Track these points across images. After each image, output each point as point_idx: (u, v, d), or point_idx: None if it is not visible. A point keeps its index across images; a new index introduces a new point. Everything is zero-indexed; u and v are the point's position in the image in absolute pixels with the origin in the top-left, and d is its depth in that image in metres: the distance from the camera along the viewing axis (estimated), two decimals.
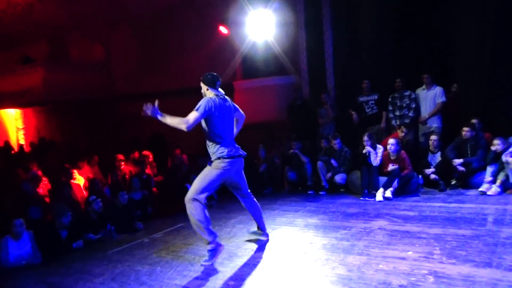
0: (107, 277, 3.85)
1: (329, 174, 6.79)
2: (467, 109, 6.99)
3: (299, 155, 7.14)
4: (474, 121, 6.31)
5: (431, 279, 3.12)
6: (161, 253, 4.43)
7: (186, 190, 6.63)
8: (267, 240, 4.44)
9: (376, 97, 7.47)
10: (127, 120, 12.52)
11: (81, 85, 12.51)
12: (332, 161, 6.79)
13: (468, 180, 6.17)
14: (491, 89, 6.80)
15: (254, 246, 4.34)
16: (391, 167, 6.21)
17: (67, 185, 6.54)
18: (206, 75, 4.14)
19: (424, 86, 7.11)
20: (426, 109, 7.07)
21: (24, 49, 13.95)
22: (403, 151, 6.30)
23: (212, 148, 4.01)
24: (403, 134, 6.73)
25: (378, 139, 6.94)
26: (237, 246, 4.37)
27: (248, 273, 3.60)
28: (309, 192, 6.95)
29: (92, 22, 12.80)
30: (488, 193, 5.63)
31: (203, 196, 3.86)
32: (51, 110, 14.45)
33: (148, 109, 3.78)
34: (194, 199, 3.83)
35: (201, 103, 3.87)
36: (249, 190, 4.40)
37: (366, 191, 6.21)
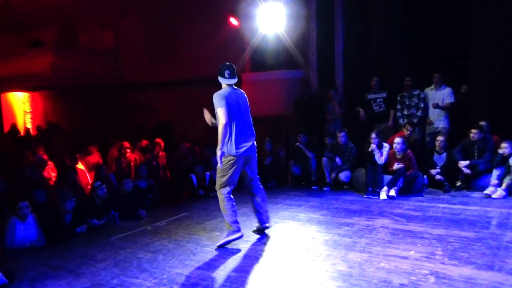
0: (109, 263, 3.88)
1: (333, 174, 6.77)
2: (476, 110, 6.94)
3: (303, 150, 7.13)
4: (482, 123, 6.27)
5: (432, 279, 3.12)
6: (163, 241, 4.46)
7: (190, 180, 6.68)
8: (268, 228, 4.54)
9: (384, 95, 7.43)
10: (134, 108, 12.57)
11: (89, 71, 12.53)
12: (337, 159, 6.77)
13: (473, 182, 6.14)
14: (502, 91, 6.74)
15: (256, 239, 4.36)
16: (396, 166, 6.19)
17: (72, 170, 6.59)
18: (219, 66, 4.20)
19: (433, 86, 7.06)
20: (434, 110, 7.02)
21: (34, 33, 13.97)
22: (409, 150, 6.27)
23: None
24: (408, 132, 6.69)
25: (385, 137, 6.91)
26: (239, 238, 4.38)
27: (250, 265, 3.62)
28: (313, 187, 6.95)
29: (102, 9, 12.78)
30: (493, 196, 5.60)
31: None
32: (59, 94, 14.50)
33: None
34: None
35: (215, 101, 4.02)
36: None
37: (370, 189, 6.20)
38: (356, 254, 3.74)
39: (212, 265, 3.68)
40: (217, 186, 4.20)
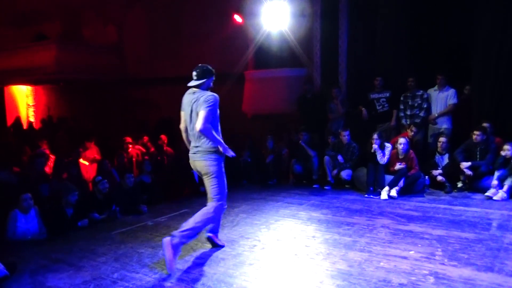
0: (110, 257, 3.90)
1: (335, 172, 6.78)
2: (479, 112, 6.92)
3: (305, 148, 7.13)
4: (485, 124, 6.25)
5: (431, 279, 3.13)
6: (164, 237, 4.45)
7: (191, 177, 6.70)
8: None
9: (387, 94, 7.42)
10: (136, 104, 12.59)
11: (92, 66, 12.54)
12: (339, 157, 6.77)
13: (475, 184, 6.13)
14: (506, 93, 6.72)
15: (256, 236, 4.37)
16: (398, 166, 6.19)
17: (75, 164, 6.61)
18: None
19: (436, 87, 7.04)
20: (437, 110, 7.01)
21: (38, 27, 13.98)
22: (411, 151, 6.27)
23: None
24: (412, 133, 6.69)
25: (387, 137, 6.92)
26: (240, 235, 4.41)
27: (249, 262, 3.63)
28: (314, 186, 6.95)
29: (106, 3, 12.79)
30: (494, 198, 5.59)
31: None
32: (62, 88, 14.53)
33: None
34: None
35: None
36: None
37: (371, 188, 6.21)
38: (356, 253, 3.75)
39: (211, 261, 3.69)
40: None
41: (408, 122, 7.08)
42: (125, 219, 5.31)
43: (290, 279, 3.27)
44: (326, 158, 6.86)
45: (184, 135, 3.96)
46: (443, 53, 7.38)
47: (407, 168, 6.16)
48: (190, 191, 6.71)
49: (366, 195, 6.13)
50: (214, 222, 3.95)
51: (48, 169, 6.62)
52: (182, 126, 3.93)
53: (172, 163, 7.74)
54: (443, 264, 3.42)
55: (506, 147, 5.81)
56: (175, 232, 3.60)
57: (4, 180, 5.47)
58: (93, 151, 7.89)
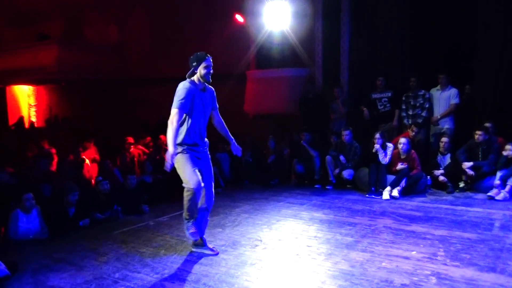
0: (111, 257, 3.90)
1: (337, 170, 6.77)
2: (481, 111, 6.91)
3: (307, 148, 7.12)
4: (487, 124, 6.24)
5: (433, 280, 3.12)
6: (165, 236, 4.47)
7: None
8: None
9: (389, 94, 7.40)
10: (137, 103, 12.59)
11: (94, 66, 12.55)
12: (341, 158, 6.76)
13: (477, 184, 6.12)
14: (508, 92, 6.71)
15: (258, 236, 4.37)
16: (400, 166, 6.18)
17: (76, 164, 6.61)
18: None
19: (438, 87, 7.02)
20: (439, 110, 6.99)
21: (39, 27, 14.00)
22: (413, 151, 6.26)
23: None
24: (413, 133, 6.68)
25: (389, 137, 6.90)
26: (241, 235, 4.40)
27: (251, 263, 3.62)
28: (316, 186, 6.94)
29: (108, 3, 12.80)
30: (497, 198, 5.58)
31: None
32: (63, 88, 14.54)
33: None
34: None
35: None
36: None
37: (373, 188, 6.20)
38: (358, 253, 3.74)
39: (213, 261, 3.69)
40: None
41: (410, 122, 7.07)
42: (127, 219, 5.31)
43: (292, 279, 3.27)
44: (328, 158, 6.85)
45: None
46: (445, 53, 7.37)
47: (409, 168, 6.14)
48: None
49: (368, 195, 6.12)
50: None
51: (52, 168, 6.63)
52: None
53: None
54: (445, 264, 3.41)
55: (508, 147, 5.80)
56: None
57: (5, 180, 5.47)
58: (92, 151, 7.89)
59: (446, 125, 6.96)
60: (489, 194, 5.69)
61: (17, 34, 14.30)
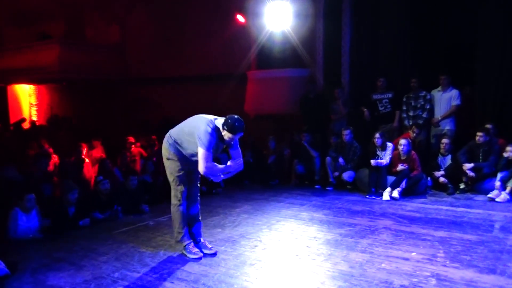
0: (111, 256, 3.90)
1: (336, 173, 6.77)
2: (482, 113, 6.90)
3: (307, 148, 7.12)
4: (488, 126, 6.23)
5: (433, 281, 3.11)
6: (165, 236, 4.47)
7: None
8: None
9: (390, 95, 7.39)
10: (138, 103, 12.59)
11: (95, 65, 12.55)
12: (340, 160, 6.76)
13: (477, 185, 6.12)
14: (509, 94, 6.70)
15: (258, 236, 4.37)
16: (400, 167, 6.17)
17: (76, 163, 6.61)
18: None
19: (440, 88, 7.01)
20: (440, 111, 6.97)
21: (41, 26, 14.01)
22: (413, 152, 6.25)
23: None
24: (414, 134, 6.67)
25: (390, 138, 6.89)
26: (241, 235, 4.40)
27: (250, 263, 3.62)
28: (316, 186, 6.94)
29: (109, 3, 12.81)
30: (497, 199, 5.57)
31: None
32: (65, 88, 14.56)
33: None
34: None
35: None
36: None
37: (373, 189, 6.19)
38: (358, 254, 3.73)
39: (212, 261, 3.69)
40: None
41: (410, 123, 7.06)
42: (127, 219, 5.30)
43: (291, 279, 3.26)
44: (327, 158, 6.84)
45: None
46: (446, 54, 7.35)
47: (409, 169, 6.14)
48: None
49: (368, 196, 6.12)
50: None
51: (50, 168, 6.63)
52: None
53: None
54: (445, 266, 3.41)
55: (508, 148, 5.79)
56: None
57: (8, 177, 5.48)
58: (99, 150, 7.90)
59: (447, 126, 6.95)
60: (489, 195, 5.68)
61: (18, 33, 14.32)
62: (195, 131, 3.58)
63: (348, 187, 6.77)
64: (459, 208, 5.30)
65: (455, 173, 6.25)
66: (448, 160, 6.43)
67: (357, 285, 3.10)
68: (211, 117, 3.71)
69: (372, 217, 5.01)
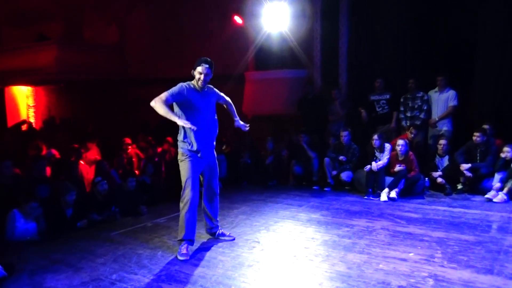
0: (109, 258, 3.90)
1: (334, 172, 6.77)
2: (480, 113, 6.92)
3: (305, 149, 7.12)
4: (486, 126, 6.25)
5: (431, 282, 3.12)
6: (163, 238, 4.47)
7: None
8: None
9: (388, 96, 7.41)
10: (137, 104, 12.57)
11: (93, 66, 12.53)
12: (341, 157, 6.76)
13: (475, 186, 6.13)
14: (507, 94, 6.72)
15: (255, 237, 4.37)
16: (398, 167, 6.18)
17: (74, 164, 6.59)
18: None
19: (437, 89, 7.03)
20: (437, 112, 7.00)
21: (39, 27, 13.97)
22: (411, 153, 6.26)
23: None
24: (412, 135, 6.69)
25: (388, 138, 6.90)
26: (239, 236, 4.40)
27: (248, 264, 3.62)
28: (314, 187, 6.95)
29: (108, 3, 12.79)
30: (494, 200, 5.58)
31: None
32: (62, 89, 14.52)
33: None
34: None
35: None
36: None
37: (371, 190, 6.20)
38: (355, 255, 3.74)
39: (210, 262, 3.68)
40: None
41: (408, 124, 7.07)
42: (125, 220, 5.30)
43: (289, 280, 3.26)
44: (326, 159, 6.85)
45: None
46: (443, 54, 7.37)
47: (407, 170, 6.15)
48: None
49: (365, 197, 6.12)
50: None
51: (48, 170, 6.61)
52: None
53: (171, 164, 7.74)
54: (442, 266, 3.41)
55: (506, 149, 5.80)
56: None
57: (5, 174, 5.46)
58: (94, 152, 7.87)
59: (444, 127, 6.97)
60: (487, 196, 5.69)
61: (16, 34, 14.28)
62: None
63: (346, 187, 6.78)
64: (456, 209, 5.31)
65: (452, 174, 6.26)
66: (445, 161, 6.45)
67: (355, 286, 3.10)
68: None
69: (370, 217, 5.02)
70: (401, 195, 6.00)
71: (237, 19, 9.13)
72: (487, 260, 3.50)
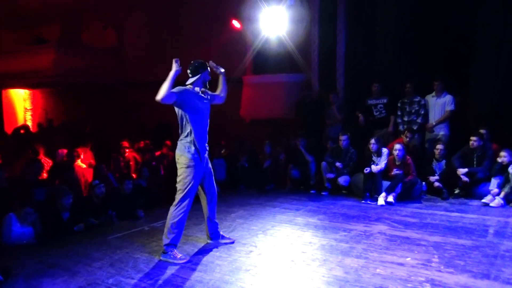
0: (105, 262, 3.88)
1: (331, 175, 6.77)
2: (476, 118, 6.94)
3: (303, 152, 7.13)
4: (482, 131, 6.27)
5: (428, 286, 3.12)
6: (160, 242, 4.41)
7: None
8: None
9: (385, 100, 7.44)
10: (135, 107, 12.57)
11: (91, 69, 12.54)
12: (338, 164, 6.77)
13: (472, 190, 6.15)
14: (503, 99, 6.75)
15: (253, 241, 4.36)
16: (395, 171, 6.19)
17: (70, 168, 6.58)
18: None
19: (434, 93, 7.06)
20: (434, 117, 7.03)
21: (36, 30, 13.98)
22: (408, 157, 6.28)
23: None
24: (407, 139, 6.70)
25: (385, 143, 6.92)
26: (236, 241, 4.39)
27: (245, 268, 3.61)
28: (311, 191, 6.95)
29: (106, 6, 12.81)
30: (491, 204, 5.60)
31: None
32: (60, 92, 14.50)
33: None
34: None
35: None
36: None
37: (368, 194, 6.20)
38: (353, 259, 3.74)
39: (208, 267, 3.68)
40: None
41: (405, 128, 7.09)
42: (121, 224, 5.28)
43: (287, 285, 3.26)
44: (323, 164, 6.85)
45: None
46: (441, 59, 7.41)
47: (404, 174, 6.16)
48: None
49: (363, 201, 6.13)
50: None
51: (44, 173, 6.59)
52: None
53: (169, 168, 7.73)
54: (439, 271, 3.41)
55: (502, 153, 5.83)
56: None
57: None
58: (88, 156, 7.85)
59: (441, 131, 6.99)
60: (484, 200, 5.71)
61: (14, 37, 14.26)
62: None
63: (343, 192, 6.79)
64: (453, 213, 5.32)
65: (449, 178, 6.27)
66: (442, 165, 6.46)
67: None
68: None
69: (367, 222, 5.02)
70: (398, 200, 6.01)
71: (235, 23, 9.16)
72: (484, 265, 3.50)
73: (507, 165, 5.74)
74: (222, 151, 8.02)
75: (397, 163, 6.27)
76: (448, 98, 6.93)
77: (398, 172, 6.16)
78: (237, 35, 9.46)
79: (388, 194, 5.99)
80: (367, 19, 8.08)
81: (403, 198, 6.08)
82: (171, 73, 3.90)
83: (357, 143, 7.01)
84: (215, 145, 7.46)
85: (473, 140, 6.11)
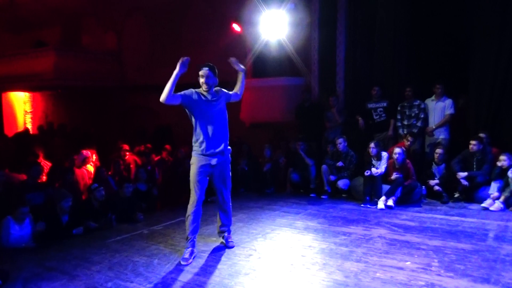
0: (104, 266, 3.87)
1: (332, 178, 6.77)
2: (476, 122, 6.95)
3: (303, 156, 7.13)
4: (482, 135, 6.27)
5: None
6: (159, 245, 4.44)
7: (188, 185, 6.65)
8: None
9: (385, 104, 7.44)
10: (134, 111, 12.59)
11: (91, 73, 12.56)
12: (339, 163, 6.77)
13: (471, 194, 6.13)
14: (503, 103, 6.75)
15: (252, 245, 4.35)
16: (395, 175, 6.18)
17: (69, 171, 6.57)
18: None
19: (434, 97, 7.06)
20: (434, 120, 7.02)
21: (37, 33, 14.02)
22: (408, 161, 6.27)
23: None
24: (408, 143, 6.70)
25: (385, 146, 6.92)
26: (236, 244, 4.38)
27: (245, 272, 3.60)
28: (311, 195, 6.94)
29: (106, 10, 12.86)
30: (491, 208, 5.59)
31: None
32: (60, 95, 14.53)
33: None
34: None
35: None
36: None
37: (368, 198, 6.20)
38: (352, 263, 3.73)
39: (207, 271, 3.67)
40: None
41: (405, 132, 7.09)
42: (121, 227, 5.27)
43: None
44: (323, 167, 6.85)
45: None
46: (441, 63, 7.42)
47: (404, 177, 6.15)
48: (187, 200, 6.67)
49: (362, 205, 6.12)
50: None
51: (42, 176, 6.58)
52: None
53: (169, 171, 7.73)
54: (439, 275, 3.41)
55: (502, 157, 5.82)
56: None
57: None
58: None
59: (441, 135, 6.99)
60: (483, 204, 5.70)
61: (14, 40, 14.32)
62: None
63: (343, 195, 6.78)
64: (453, 217, 5.31)
65: (449, 182, 6.27)
66: (442, 169, 6.46)
67: None
68: None
69: (367, 226, 5.01)
70: (398, 203, 6.00)
71: (235, 27, 9.18)
72: (484, 269, 3.50)
73: (507, 169, 5.73)
74: None
75: (396, 167, 6.26)
76: (448, 102, 6.93)
77: (397, 176, 6.15)
78: (236, 38, 9.47)
79: (388, 198, 5.99)
80: (367, 23, 8.10)
81: (403, 202, 6.07)
82: (174, 74, 3.87)
83: (357, 147, 7.01)
84: None
85: (473, 144, 6.11)
